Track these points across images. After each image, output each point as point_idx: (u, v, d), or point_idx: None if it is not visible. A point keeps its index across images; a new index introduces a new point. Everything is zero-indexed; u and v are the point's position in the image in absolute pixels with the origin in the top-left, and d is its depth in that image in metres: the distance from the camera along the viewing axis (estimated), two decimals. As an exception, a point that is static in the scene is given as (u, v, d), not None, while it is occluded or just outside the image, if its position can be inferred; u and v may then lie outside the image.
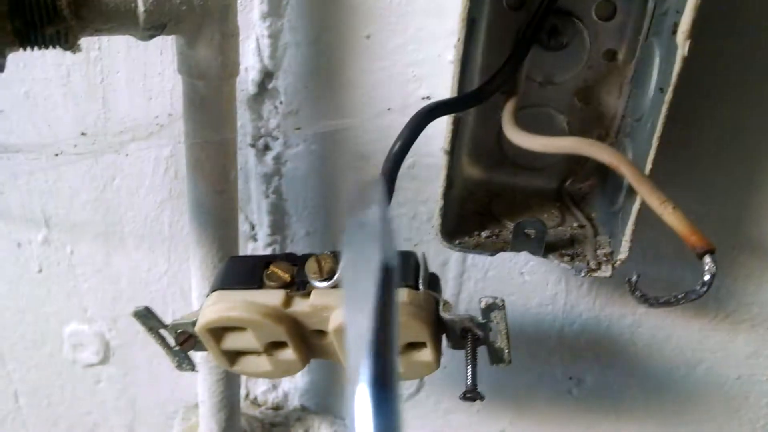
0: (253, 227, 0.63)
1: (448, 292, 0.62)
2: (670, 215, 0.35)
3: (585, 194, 0.53)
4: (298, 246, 0.62)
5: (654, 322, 0.60)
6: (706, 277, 0.34)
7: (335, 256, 0.43)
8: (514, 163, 0.54)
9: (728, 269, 0.56)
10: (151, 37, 0.44)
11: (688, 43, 0.37)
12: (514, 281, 0.60)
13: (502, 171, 0.54)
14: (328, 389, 0.71)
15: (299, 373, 0.71)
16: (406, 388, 0.69)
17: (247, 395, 0.73)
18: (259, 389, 0.73)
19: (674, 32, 0.38)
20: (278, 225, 0.61)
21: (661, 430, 0.66)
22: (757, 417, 0.63)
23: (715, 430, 0.65)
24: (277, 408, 0.73)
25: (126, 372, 0.75)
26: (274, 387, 0.72)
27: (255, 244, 0.63)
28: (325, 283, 0.42)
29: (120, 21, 0.42)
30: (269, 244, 0.63)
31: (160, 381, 0.74)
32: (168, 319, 0.70)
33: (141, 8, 0.42)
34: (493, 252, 0.47)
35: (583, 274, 0.45)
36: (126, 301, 0.69)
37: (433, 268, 0.60)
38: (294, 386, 0.72)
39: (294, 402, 0.73)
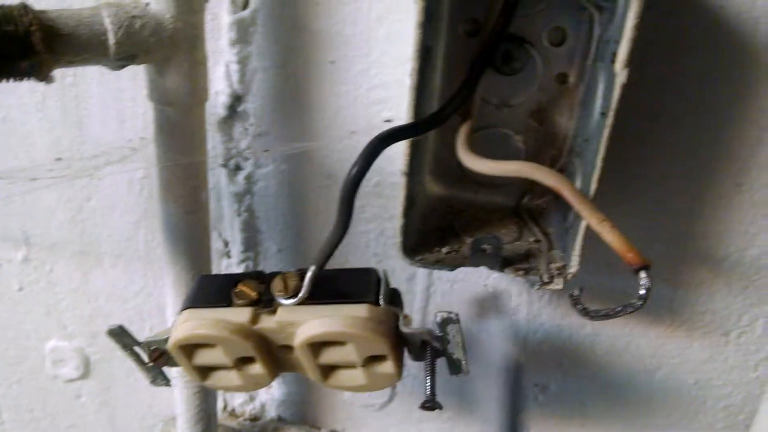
0: (226, 244, 0.64)
1: (416, 305, 0.64)
2: (608, 233, 0.37)
3: (542, 210, 0.56)
4: (270, 262, 0.65)
5: (612, 332, 0.62)
6: (642, 292, 0.37)
7: (301, 274, 0.45)
8: (475, 181, 0.56)
9: (680, 280, 0.58)
10: (122, 67, 0.47)
11: (625, 72, 0.40)
12: (479, 293, 0.63)
13: (463, 188, 0.57)
14: (304, 400, 0.73)
15: (276, 385, 0.73)
16: (378, 397, 0.71)
17: (224, 407, 0.75)
18: (237, 401, 0.75)
19: (613, 61, 0.41)
20: (251, 242, 0.64)
21: (625, 434, 0.68)
22: (715, 420, 0.66)
23: (676, 434, 0.67)
24: (254, 419, 0.74)
25: (106, 386, 0.76)
26: (251, 398, 0.74)
27: (229, 261, 0.65)
28: (290, 301, 0.44)
29: (91, 53, 0.44)
30: (243, 261, 0.65)
31: (139, 395, 0.76)
32: (146, 335, 0.72)
33: (111, 41, 0.44)
34: (452, 267, 0.50)
35: (536, 287, 0.48)
36: (104, 317, 0.71)
37: (401, 281, 0.63)
38: (271, 397, 0.74)
39: (271, 413, 0.74)
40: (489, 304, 0.63)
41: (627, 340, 0.63)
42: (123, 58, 0.45)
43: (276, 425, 0.73)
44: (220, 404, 0.74)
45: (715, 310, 0.60)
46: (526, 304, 0.62)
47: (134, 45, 0.45)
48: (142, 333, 0.71)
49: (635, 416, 0.67)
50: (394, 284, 0.63)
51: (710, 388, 0.64)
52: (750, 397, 0.64)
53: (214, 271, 0.65)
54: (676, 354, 0.63)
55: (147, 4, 0.46)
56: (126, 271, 0.68)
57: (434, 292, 0.63)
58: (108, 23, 0.44)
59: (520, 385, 0.67)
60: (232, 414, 0.74)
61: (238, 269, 0.65)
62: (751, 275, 0.58)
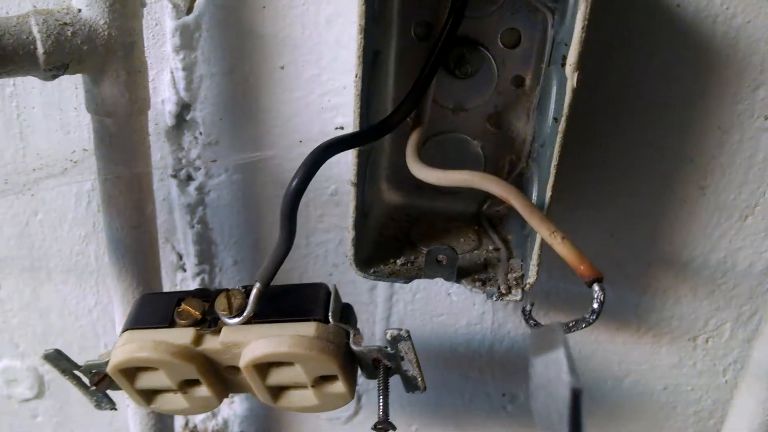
0: (180, 257, 0.62)
1: (378, 315, 0.62)
2: (559, 245, 0.36)
3: (502, 216, 0.54)
4: (227, 274, 0.62)
5: (579, 338, 0.61)
6: (595, 305, 0.35)
7: (246, 292, 0.43)
8: (434, 188, 0.54)
9: (646, 286, 0.57)
10: (54, 77, 0.44)
11: (576, 76, 0.38)
12: (442, 302, 0.61)
13: (422, 196, 0.55)
14: (268, 414, 0.71)
15: (238, 399, 0.71)
16: (344, 410, 0.69)
17: (186, 424, 0.73)
18: (198, 417, 0.72)
19: (563, 64, 0.39)
20: (205, 254, 0.61)
21: (596, 442, 0.67)
22: (685, 426, 0.65)
23: (647, 440, 0.66)
24: (217, 436, 0.72)
25: (62, 406, 0.74)
26: (214, 415, 0.72)
27: (184, 274, 0.63)
28: (235, 320, 0.42)
29: (19, 64, 0.42)
30: (198, 274, 0.62)
31: (97, 413, 0.73)
32: (100, 352, 0.69)
33: (40, 50, 0.42)
34: (407, 279, 0.48)
35: (494, 299, 0.46)
36: (57, 335, 0.68)
37: (362, 291, 0.61)
38: (234, 413, 0.71)
39: (234, 429, 0.72)
40: (453, 313, 0.61)
41: (594, 347, 0.61)
42: (54, 68, 0.43)
43: (239, 441, 0.71)
44: (181, 421, 0.72)
45: (681, 315, 0.59)
46: (491, 313, 0.61)
47: (66, 54, 0.43)
48: (96, 350, 0.69)
49: (605, 423, 0.66)
50: (354, 294, 0.61)
51: (680, 393, 0.63)
52: (720, 402, 0.63)
53: (168, 286, 0.63)
54: (644, 360, 0.62)
55: (79, 11, 0.43)
56: (78, 287, 0.65)
57: (397, 302, 0.62)
58: (36, 32, 0.42)
59: (489, 395, 0.66)
60: (194, 431, 0.72)
61: (194, 283, 0.63)
62: (717, 279, 0.56)
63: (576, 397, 0.25)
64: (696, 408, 0.64)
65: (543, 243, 0.44)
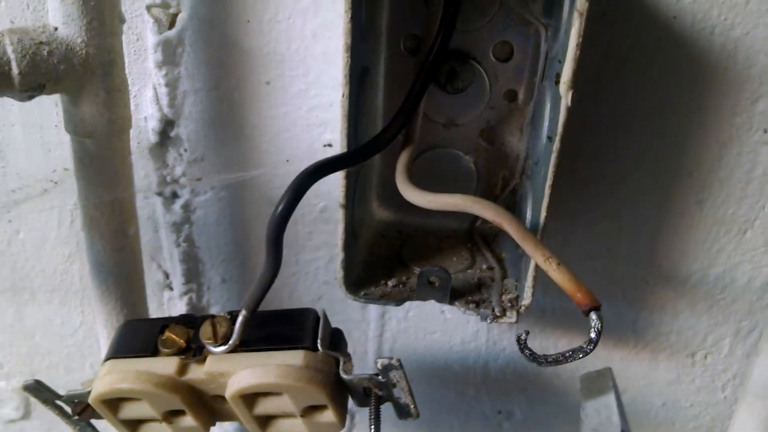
0: (167, 276, 0.61)
1: (370, 333, 0.61)
2: (554, 272, 0.34)
3: (496, 233, 0.53)
4: (215, 293, 0.61)
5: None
6: (593, 335, 0.34)
7: (232, 319, 0.41)
8: (426, 204, 0.53)
9: (643, 301, 0.56)
10: (30, 98, 0.43)
11: (570, 94, 0.37)
12: (435, 319, 0.59)
13: (413, 212, 0.53)
14: (259, 434, 0.69)
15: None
16: (337, 428, 0.68)
17: (175, 444, 0.71)
18: (188, 437, 0.71)
19: (557, 82, 0.38)
20: (192, 273, 0.60)
21: (594, 458, 0.66)
22: (684, 441, 0.64)
23: (646, 456, 0.65)
24: (207, 456, 0.71)
25: (49, 427, 0.72)
26: (204, 434, 0.70)
27: (171, 293, 0.61)
28: (220, 348, 0.41)
29: (-8, 85, 0.40)
30: (185, 293, 0.61)
31: (85, 435, 0.72)
32: (86, 373, 0.68)
33: (15, 71, 0.40)
34: (399, 302, 0.46)
35: (488, 321, 0.45)
36: (42, 355, 0.67)
37: (354, 309, 0.59)
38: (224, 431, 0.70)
39: (225, 449, 0.71)
40: (447, 331, 0.60)
41: (591, 364, 0.60)
42: (30, 89, 0.41)
43: (230, 462, 0.70)
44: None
45: (680, 331, 0.57)
46: (486, 330, 0.59)
47: (42, 74, 0.41)
48: (82, 371, 0.68)
49: (603, 439, 0.64)
50: (346, 313, 0.60)
51: (678, 409, 0.62)
52: (719, 418, 0.62)
53: (155, 305, 0.62)
54: (642, 376, 0.60)
55: (55, 29, 0.42)
56: (62, 307, 0.64)
57: (389, 320, 0.60)
58: (11, 52, 0.40)
59: (484, 413, 0.64)
60: (184, 451, 0.71)
61: (181, 302, 0.61)
62: (716, 294, 0.55)
63: None
64: (695, 424, 0.62)
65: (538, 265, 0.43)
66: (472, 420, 0.65)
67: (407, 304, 0.59)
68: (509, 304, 0.45)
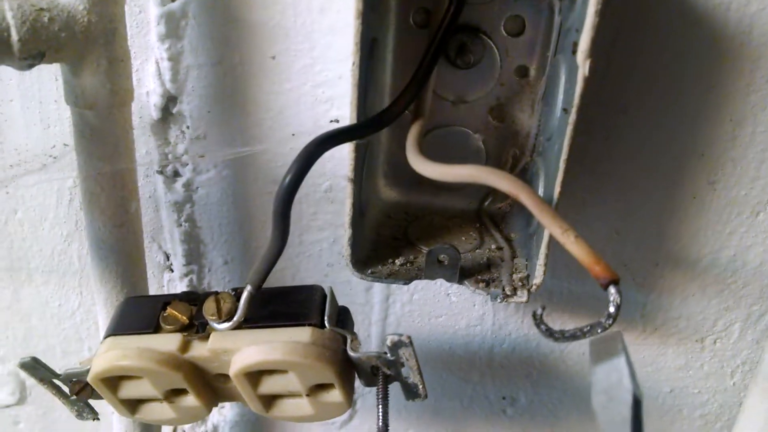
0: (168, 257, 0.59)
1: (374, 316, 0.60)
2: (572, 244, 0.33)
3: (505, 213, 0.52)
4: (216, 275, 0.60)
5: (583, 340, 0.58)
6: (611, 309, 0.33)
7: (237, 295, 0.40)
8: (433, 184, 0.52)
9: (652, 285, 0.55)
10: (30, 66, 0.41)
11: (588, 63, 0.36)
12: (440, 303, 0.58)
13: (421, 192, 0.53)
14: (258, 421, 0.68)
15: (228, 405, 0.68)
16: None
17: (174, 430, 0.70)
18: (187, 423, 0.70)
19: (574, 51, 0.37)
20: (194, 254, 0.59)
21: (599, 445, 0.65)
22: (691, 429, 0.63)
23: (652, 443, 0.64)
24: (206, 442, 0.70)
25: (45, 412, 0.71)
26: (203, 421, 0.69)
27: (171, 275, 0.60)
28: (224, 325, 0.40)
29: (-9, 52, 0.39)
30: (186, 274, 0.60)
31: (81, 421, 0.70)
32: (85, 356, 0.67)
33: (14, 37, 0.39)
34: (407, 280, 0.45)
35: (498, 301, 0.44)
36: (39, 338, 0.66)
37: (358, 292, 0.58)
38: (223, 419, 0.69)
39: (224, 434, 0.70)
40: (452, 315, 0.59)
41: (598, 349, 0.59)
42: (29, 56, 0.40)
43: (230, 448, 0.68)
44: (169, 428, 0.69)
45: (689, 315, 0.56)
46: (492, 314, 0.58)
47: (42, 42, 0.40)
48: (80, 355, 0.66)
49: (609, 427, 0.64)
50: (350, 295, 0.59)
51: (686, 396, 0.61)
52: (727, 405, 0.61)
53: (155, 286, 0.60)
54: (650, 361, 0.59)
55: (56, -5, 0.41)
56: (60, 288, 0.62)
57: (394, 303, 0.59)
58: (10, 18, 0.39)
59: (488, 398, 0.63)
60: (183, 437, 0.70)
61: (181, 284, 0.60)
62: (726, 278, 0.54)
63: (637, 402, 0.27)
64: (702, 411, 0.62)
65: (550, 242, 0.42)
66: (476, 405, 0.64)
67: (412, 287, 0.58)
68: (520, 284, 0.44)
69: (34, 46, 0.40)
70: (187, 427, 0.70)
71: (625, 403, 0.27)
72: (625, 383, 0.27)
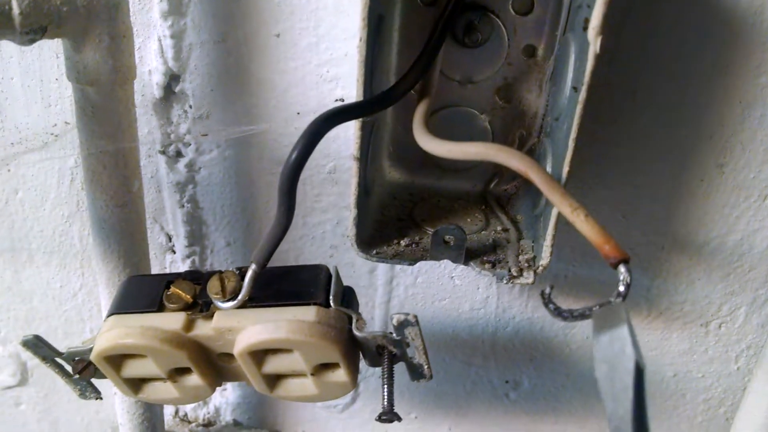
0: (170, 238, 0.59)
1: (378, 299, 0.60)
2: (582, 223, 0.33)
3: (510, 195, 0.51)
4: (219, 256, 0.59)
5: (586, 323, 0.58)
6: (621, 288, 0.32)
7: (241, 274, 0.40)
8: (438, 166, 0.52)
9: (658, 269, 0.55)
10: (32, 41, 0.41)
11: (599, 40, 0.35)
12: (444, 286, 0.58)
13: (426, 173, 0.52)
14: (260, 403, 0.68)
15: (230, 386, 0.68)
16: (341, 398, 0.66)
17: (176, 412, 0.70)
18: (189, 406, 0.70)
19: (585, 28, 0.36)
20: (196, 235, 0.58)
21: (601, 430, 0.65)
22: (694, 414, 0.63)
23: (654, 428, 0.64)
24: (208, 424, 0.69)
25: (46, 393, 0.71)
26: (205, 402, 0.69)
27: (173, 256, 0.60)
28: (228, 304, 0.39)
29: (-8, 25, 0.38)
30: (188, 256, 0.59)
31: (83, 401, 0.70)
32: (86, 337, 0.66)
33: (16, 10, 0.38)
34: (412, 261, 0.45)
35: (504, 282, 0.43)
36: (40, 320, 0.65)
37: (361, 274, 0.58)
38: (225, 401, 0.69)
39: (226, 417, 0.69)
40: (456, 297, 0.59)
41: (602, 333, 0.59)
42: (31, 30, 0.39)
43: (232, 430, 0.68)
44: (171, 409, 0.69)
45: (694, 300, 0.56)
46: (495, 297, 0.58)
47: (43, 15, 0.39)
48: (82, 336, 0.66)
49: (611, 411, 0.64)
50: (353, 278, 0.59)
51: (690, 380, 0.61)
52: (731, 390, 0.61)
53: (157, 268, 0.60)
54: (655, 346, 0.59)
55: (58, -32, 0.40)
56: (61, 269, 0.62)
57: (397, 285, 0.59)
58: (11, -10, 0.38)
59: (491, 381, 0.63)
60: (184, 420, 0.69)
61: (184, 265, 0.60)
62: (733, 262, 0.54)
63: (639, 370, 0.27)
64: (706, 396, 0.62)
65: (557, 223, 0.42)
66: (479, 389, 0.64)
67: (416, 269, 0.58)
68: (526, 265, 0.44)
69: (35, 20, 0.39)
70: (188, 409, 0.69)
71: (627, 371, 0.27)
72: (627, 352, 0.27)
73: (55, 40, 0.43)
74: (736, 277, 0.55)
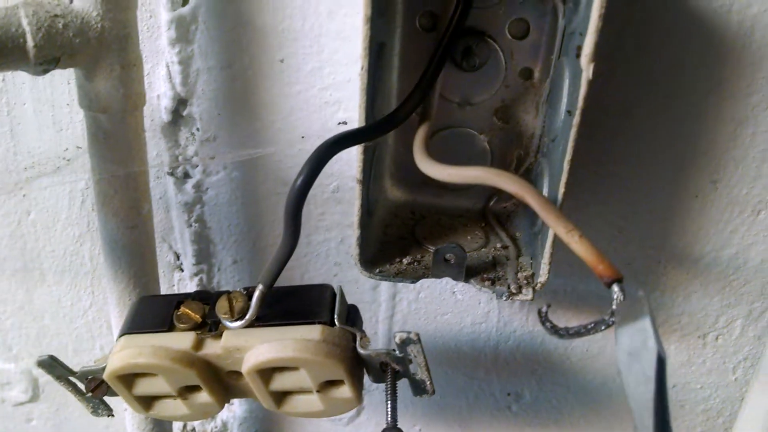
0: (178, 257, 0.61)
1: (381, 315, 0.61)
2: (576, 244, 0.34)
3: (510, 213, 0.53)
4: (226, 274, 0.61)
5: (587, 336, 0.59)
6: (615, 307, 0.33)
7: (248, 294, 0.41)
8: (439, 185, 0.53)
9: (655, 282, 0.56)
10: (45, 71, 0.42)
11: (591, 67, 0.37)
12: (446, 301, 0.59)
13: (426, 192, 0.54)
14: (267, 417, 0.69)
15: (237, 402, 0.69)
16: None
17: (184, 426, 0.71)
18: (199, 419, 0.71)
19: (578, 55, 0.38)
20: (203, 254, 0.60)
21: (603, 441, 0.66)
22: (694, 424, 0.64)
23: (655, 438, 0.65)
24: (216, 438, 0.71)
25: (57, 409, 0.72)
26: (213, 417, 0.70)
27: (181, 274, 0.61)
28: (237, 323, 0.41)
29: (8, 57, 0.40)
30: (196, 274, 0.61)
31: (94, 417, 0.71)
32: (96, 354, 0.68)
33: (30, 43, 0.40)
34: (414, 279, 0.46)
35: (504, 299, 0.45)
36: (51, 337, 0.67)
37: (365, 291, 0.59)
38: (233, 415, 0.70)
39: (233, 431, 0.71)
40: (458, 312, 0.60)
41: (602, 344, 0.60)
42: (45, 62, 0.41)
43: (239, 444, 0.70)
44: (179, 424, 0.70)
45: (691, 312, 0.57)
46: (497, 311, 0.59)
47: (57, 47, 0.41)
48: (92, 353, 0.68)
49: (612, 422, 0.65)
50: (357, 294, 0.60)
51: (688, 391, 0.62)
52: (729, 400, 0.62)
53: (166, 286, 0.61)
54: (653, 358, 0.60)
55: (70, 2, 0.42)
56: (72, 288, 0.63)
57: (400, 301, 0.60)
58: (26, 24, 0.40)
59: (493, 394, 0.64)
60: (193, 434, 0.71)
61: (191, 283, 0.61)
62: (729, 275, 0.55)
63: (661, 362, 0.28)
64: (705, 406, 0.63)
65: (555, 241, 0.43)
66: (482, 402, 0.65)
67: (418, 285, 0.59)
68: (525, 282, 0.45)
69: (49, 52, 0.41)
70: (197, 423, 0.71)
71: (649, 362, 0.28)
72: (649, 344, 0.28)
73: (67, 69, 0.44)
74: (731, 290, 0.56)
